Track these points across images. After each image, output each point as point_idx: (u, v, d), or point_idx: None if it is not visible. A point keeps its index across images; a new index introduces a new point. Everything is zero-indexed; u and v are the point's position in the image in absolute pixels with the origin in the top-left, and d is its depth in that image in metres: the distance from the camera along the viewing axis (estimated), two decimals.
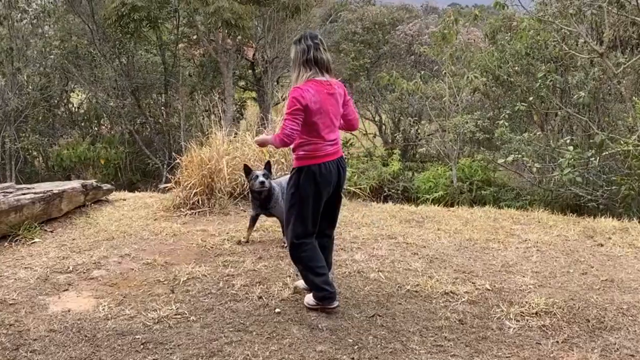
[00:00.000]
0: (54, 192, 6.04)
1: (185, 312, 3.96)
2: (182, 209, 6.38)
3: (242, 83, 20.42)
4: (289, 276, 4.55)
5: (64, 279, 4.63)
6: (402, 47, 18.49)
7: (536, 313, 3.91)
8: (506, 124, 8.72)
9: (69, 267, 4.84)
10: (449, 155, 13.11)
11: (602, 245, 5.30)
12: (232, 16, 12.17)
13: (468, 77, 11.04)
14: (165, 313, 3.93)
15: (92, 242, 5.51)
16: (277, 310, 3.98)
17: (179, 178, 6.53)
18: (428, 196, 13.27)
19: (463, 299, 4.14)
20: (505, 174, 13.52)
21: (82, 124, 17.59)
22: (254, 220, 5.40)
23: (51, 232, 5.93)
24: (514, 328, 3.71)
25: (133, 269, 4.81)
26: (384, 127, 20.58)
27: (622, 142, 7.68)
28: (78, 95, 18.48)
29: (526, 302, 4.06)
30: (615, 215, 8.47)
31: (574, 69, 9.07)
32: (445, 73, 12.51)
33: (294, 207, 3.90)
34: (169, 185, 6.87)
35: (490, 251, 5.16)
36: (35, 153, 16.02)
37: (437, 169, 14.21)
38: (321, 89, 3.78)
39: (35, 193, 5.87)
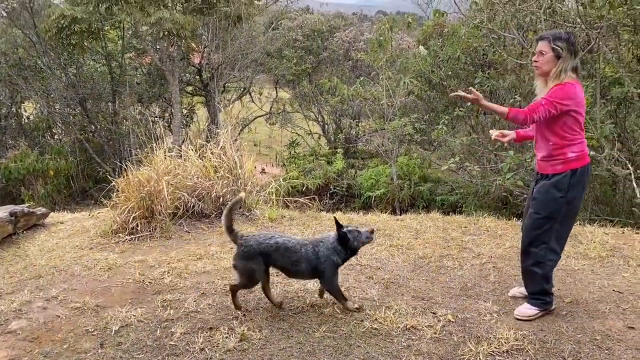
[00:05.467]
0: None
1: None
2: (120, 234, 5.33)
3: (190, 89, 19.16)
4: (236, 318, 3.66)
5: None
6: (341, 53, 17.76)
7: (507, 351, 3.19)
8: (445, 128, 8.08)
9: None
10: (388, 155, 12.48)
11: None
12: (173, 27, 10.99)
13: (405, 82, 10.35)
14: None
15: (16, 282, 4.44)
16: None
17: (115, 202, 5.47)
18: (371, 193, 12.65)
19: (426, 336, 3.37)
20: (439, 170, 13.03)
21: (33, 134, 15.96)
22: None
23: None
24: None
25: (60, 317, 3.79)
26: (326, 127, 19.84)
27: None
28: (32, 105, 16.83)
29: (494, 337, 3.34)
30: None
31: (504, 73, 8.48)
32: (382, 78, 11.83)
33: (560, 213, 3.39)
34: (99, 212, 5.80)
35: (446, 271, 4.43)
36: None
37: (378, 168, 13.59)
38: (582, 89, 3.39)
39: None
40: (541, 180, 3.51)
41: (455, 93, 3.53)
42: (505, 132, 3.73)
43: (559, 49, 3.30)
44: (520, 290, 3.88)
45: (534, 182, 3.63)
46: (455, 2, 6.43)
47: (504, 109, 3.37)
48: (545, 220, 3.42)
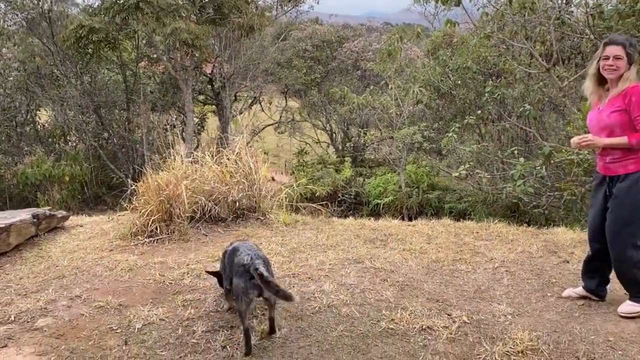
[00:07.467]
0: (0, 226, 4.99)
1: None
2: (139, 236, 5.40)
3: (201, 97, 19.33)
4: (255, 317, 3.71)
5: (3, 331, 3.65)
6: (349, 63, 17.89)
7: (522, 351, 3.21)
8: (455, 136, 8.15)
9: (11, 317, 3.85)
10: (396, 162, 12.53)
11: (567, 261, 4.67)
12: (189, 36, 11.14)
13: (414, 91, 10.42)
14: None
15: (40, 281, 4.51)
16: None
17: (135, 205, 5.55)
18: (379, 201, 12.69)
19: (442, 336, 3.40)
20: (447, 178, 13.04)
21: (48, 141, 16.14)
22: None
23: None
24: None
25: (83, 315, 3.85)
26: (334, 135, 19.94)
27: (563, 150, 7.18)
28: (46, 112, 17.00)
29: (509, 337, 3.37)
30: (558, 220, 8.01)
31: (513, 82, 8.53)
32: (391, 87, 11.91)
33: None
34: (119, 214, 5.88)
35: (459, 274, 4.46)
36: (2, 171, 14.47)
37: (386, 175, 13.63)
38: None
39: None
40: (612, 183, 3.51)
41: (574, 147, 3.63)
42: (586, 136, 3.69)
43: (632, 53, 3.35)
44: (575, 290, 3.88)
45: (598, 184, 3.62)
46: (466, 12, 6.53)
47: (624, 139, 3.36)
48: (631, 221, 3.44)
